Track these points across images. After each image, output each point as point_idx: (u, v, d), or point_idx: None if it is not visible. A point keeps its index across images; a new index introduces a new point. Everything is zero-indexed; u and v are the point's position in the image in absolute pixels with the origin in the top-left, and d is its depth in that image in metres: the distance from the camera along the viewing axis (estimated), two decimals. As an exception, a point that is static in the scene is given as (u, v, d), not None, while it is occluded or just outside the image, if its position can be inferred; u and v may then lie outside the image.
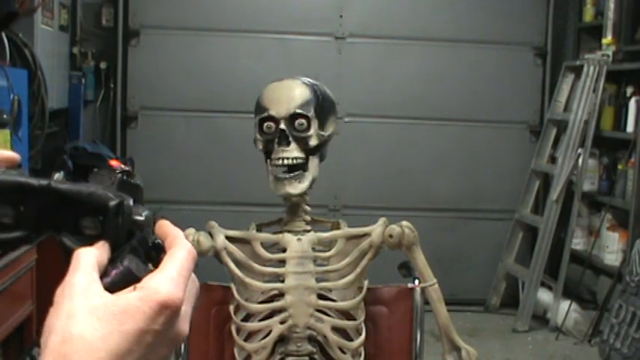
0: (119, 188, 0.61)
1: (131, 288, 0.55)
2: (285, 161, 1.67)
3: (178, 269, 0.57)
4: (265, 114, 1.69)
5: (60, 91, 4.29)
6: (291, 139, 1.67)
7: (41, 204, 0.57)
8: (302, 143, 1.69)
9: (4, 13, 3.17)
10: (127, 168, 0.66)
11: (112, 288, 0.55)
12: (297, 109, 1.68)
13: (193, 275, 0.60)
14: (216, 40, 4.76)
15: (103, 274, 0.56)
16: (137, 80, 4.75)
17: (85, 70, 4.64)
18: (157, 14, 4.72)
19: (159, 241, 0.60)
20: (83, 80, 4.58)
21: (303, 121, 1.68)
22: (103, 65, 4.69)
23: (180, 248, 0.59)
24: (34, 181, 0.57)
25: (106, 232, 0.58)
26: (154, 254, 0.59)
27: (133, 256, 0.58)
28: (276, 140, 1.67)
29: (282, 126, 1.67)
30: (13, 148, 3.01)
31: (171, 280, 0.56)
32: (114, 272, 0.56)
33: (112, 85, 4.73)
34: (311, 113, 1.69)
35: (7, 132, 2.96)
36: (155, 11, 4.72)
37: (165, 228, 0.62)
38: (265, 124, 1.69)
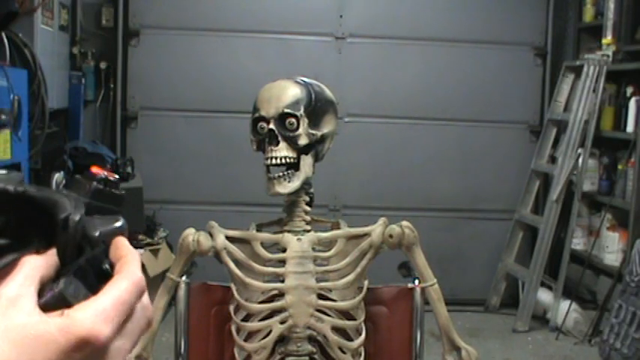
0: (93, 197, 0.57)
1: (59, 312, 0.48)
2: (274, 160, 1.68)
3: (114, 301, 0.50)
4: (257, 114, 1.71)
5: (60, 91, 4.29)
6: (280, 138, 1.68)
7: (21, 212, 0.53)
8: (291, 142, 1.69)
9: (4, 13, 3.17)
10: (110, 176, 0.60)
11: (45, 311, 0.49)
12: (285, 108, 1.68)
13: (146, 306, 0.53)
14: (217, 40, 4.76)
15: (42, 293, 0.50)
16: (137, 80, 4.75)
17: (85, 70, 4.64)
18: (157, 14, 4.72)
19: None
20: (83, 80, 4.58)
21: (293, 120, 1.69)
22: (103, 65, 4.68)
23: (124, 277, 0.52)
24: (10, 188, 0.53)
25: (56, 245, 0.53)
26: (110, 276, 0.53)
27: (75, 277, 0.51)
28: (267, 140, 1.68)
29: (272, 126, 1.68)
30: (13, 148, 3.01)
31: (101, 312, 0.48)
32: (49, 294, 0.50)
33: (112, 85, 4.73)
34: (300, 112, 1.69)
35: (7, 132, 2.96)
36: (155, 11, 4.72)
37: (119, 250, 0.54)
38: (259, 125, 1.71)
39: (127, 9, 4.70)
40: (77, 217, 0.52)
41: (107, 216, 0.56)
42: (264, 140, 1.70)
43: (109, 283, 0.51)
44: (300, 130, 1.69)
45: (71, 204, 0.53)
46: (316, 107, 1.72)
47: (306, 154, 1.71)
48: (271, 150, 1.68)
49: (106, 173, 0.61)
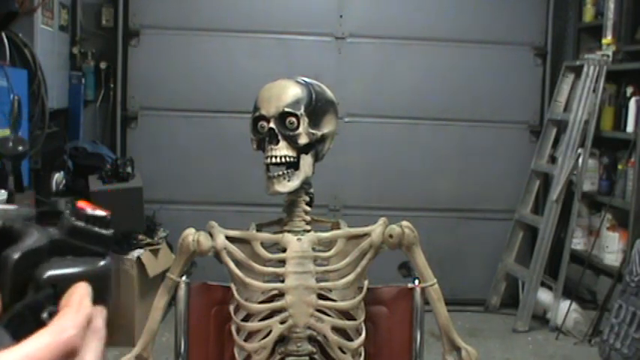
0: (70, 235, 0.52)
1: None
2: (274, 159, 1.68)
3: (22, 358, 0.43)
4: (257, 113, 1.71)
5: (60, 91, 4.29)
6: (280, 137, 1.68)
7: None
8: (292, 141, 1.69)
9: (4, 13, 3.17)
10: (97, 212, 0.54)
11: None
12: (285, 107, 1.69)
13: None
14: (217, 41, 4.76)
15: None
16: (137, 80, 4.75)
17: (85, 70, 4.64)
18: (156, 14, 4.72)
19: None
20: (83, 80, 4.58)
21: (293, 119, 1.69)
22: (103, 65, 4.68)
23: (49, 331, 0.44)
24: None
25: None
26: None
27: (7, 325, 0.45)
28: (267, 139, 1.68)
29: (272, 125, 1.68)
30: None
31: None
32: None
33: (112, 85, 4.73)
34: (300, 112, 1.70)
35: (7, 132, 2.96)
36: (155, 11, 4.72)
37: (68, 299, 0.47)
38: (259, 124, 1.71)
39: (127, 9, 4.70)
40: (15, 256, 0.46)
41: (83, 258, 0.50)
42: (264, 139, 1.70)
43: (34, 335, 0.44)
44: (300, 130, 1.70)
45: (30, 241, 0.47)
46: (316, 107, 1.73)
47: (306, 153, 1.72)
48: (271, 149, 1.68)
49: (91, 210, 0.54)
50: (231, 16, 4.75)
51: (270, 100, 1.70)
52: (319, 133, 1.73)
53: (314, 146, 1.73)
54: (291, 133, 1.69)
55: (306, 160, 1.71)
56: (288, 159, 1.68)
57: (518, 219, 4.86)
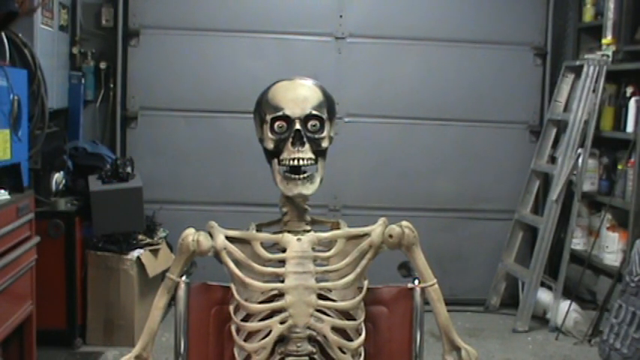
0: None
1: None
2: (301, 162, 1.69)
3: None
4: (280, 113, 1.70)
5: (60, 91, 4.29)
6: (305, 139, 1.68)
7: None
8: (314, 144, 1.71)
9: (4, 13, 3.17)
10: None
11: None
12: (312, 110, 1.70)
13: None
14: (216, 40, 4.76)
15: None
16: (137, 80, 4.75)
17: (84, 70, 4.63)
18: (156, 14, 4.72)
19: None
20: (83, 80, 4.58)
21: (317, 122, 1.71)
22: (102, 65, 4.68)
23: None
24: None
25: None
26: None
27: None
28: (290, 140, 1.68)
29: (298, 126, 1.69)
30: (12, 148, 3.01)
31: None
32: None
33: (111, 85, 4.73)
34: (325, 115, 1.72)
35: (6, 132, 2.96)
36: (155, 11, 4.71)
37: None
38: (277, 124, 1.70)
39: (127, 9, 4.70)
40: None
41: None
42: (283, 140, 1.70)
43: None
44: (325, 133, 1.72)
45: None
46: (332, 110, 1.77)
47: (322, 156, 1.74)
48: (298, 151, 1.68)
49: None
50: (231, 16, 4.75)
51: (295, 100, 1.70)
52: (334, 136, 1.77)
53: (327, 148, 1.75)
54: (315, 136, 1.71)
55: (322, 164, 1.74)
56: (311, 162, 1.70)
57: (518, 219, 4.86)
